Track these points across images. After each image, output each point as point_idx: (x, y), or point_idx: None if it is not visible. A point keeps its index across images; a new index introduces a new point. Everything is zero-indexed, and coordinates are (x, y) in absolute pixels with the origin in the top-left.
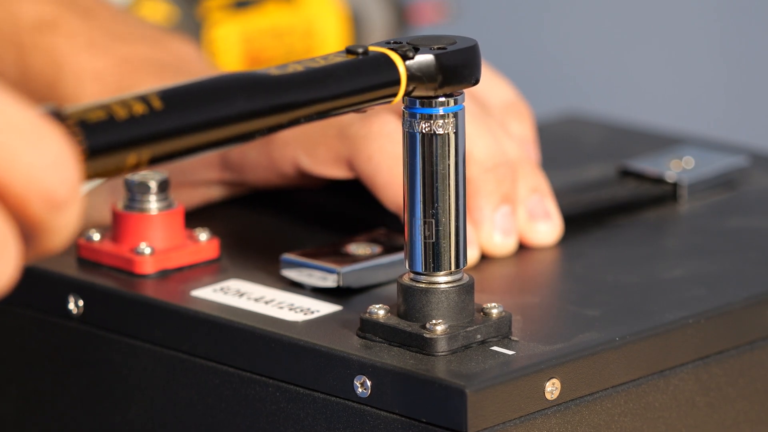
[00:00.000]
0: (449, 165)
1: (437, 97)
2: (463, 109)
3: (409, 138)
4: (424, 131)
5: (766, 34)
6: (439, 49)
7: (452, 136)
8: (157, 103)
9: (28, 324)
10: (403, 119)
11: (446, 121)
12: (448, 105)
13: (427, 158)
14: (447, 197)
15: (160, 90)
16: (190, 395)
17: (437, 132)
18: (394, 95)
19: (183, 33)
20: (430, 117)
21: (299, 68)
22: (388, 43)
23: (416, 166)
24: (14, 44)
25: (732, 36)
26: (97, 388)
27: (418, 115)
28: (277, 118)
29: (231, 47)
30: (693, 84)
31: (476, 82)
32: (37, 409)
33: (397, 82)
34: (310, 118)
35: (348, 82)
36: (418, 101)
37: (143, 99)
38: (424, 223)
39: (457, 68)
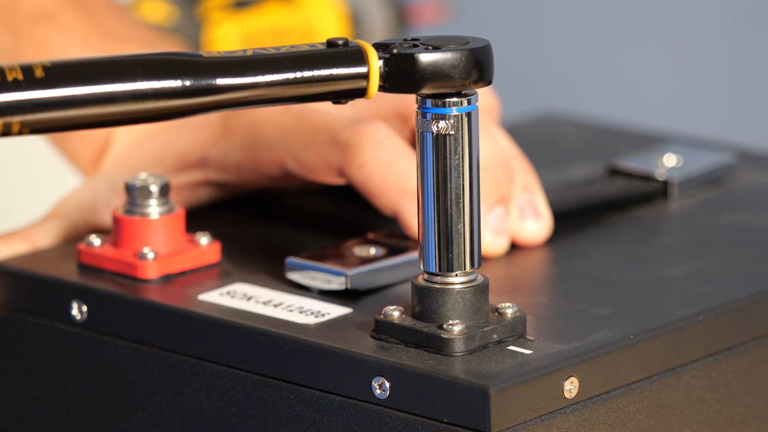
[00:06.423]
0: (462, 165)
1: (450, 96)
2: (476, 109)
3: (422, 138)
4: (436, 131)
5: (744, 31)
6: (434, 48)
7: (465, 136)
8: (39, 72)
9: (31, 331)
10: (416, 119)
11: (459, 121)
12: (461, 105)
13: (440, 158)
14: (461, 197)
15: (52, 60)
16: (199, 399)
17: (450, 132)
18: (364, 89)
19: (183, 33)
20: (442, 117)
21: (248, 53)
22: (405, 40)
23: (428, 166)
24: (10, 30)
25: (709, 35)
26: (103, 394)
27: (430, 114)
28: (191, 101)
29: (231, 47)
30: (668, 82)
31: (485, 83)
32: (42, 417)
33: (365, 77)
34: (242, 104)
35: (297, 70)
36: (429, 101)
37: (26, 67)
38: (438, 223)
39: (444, 69)
